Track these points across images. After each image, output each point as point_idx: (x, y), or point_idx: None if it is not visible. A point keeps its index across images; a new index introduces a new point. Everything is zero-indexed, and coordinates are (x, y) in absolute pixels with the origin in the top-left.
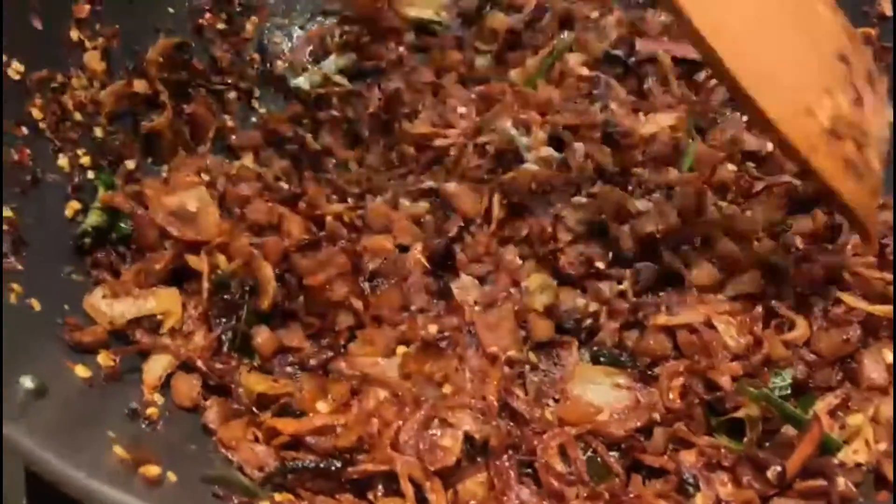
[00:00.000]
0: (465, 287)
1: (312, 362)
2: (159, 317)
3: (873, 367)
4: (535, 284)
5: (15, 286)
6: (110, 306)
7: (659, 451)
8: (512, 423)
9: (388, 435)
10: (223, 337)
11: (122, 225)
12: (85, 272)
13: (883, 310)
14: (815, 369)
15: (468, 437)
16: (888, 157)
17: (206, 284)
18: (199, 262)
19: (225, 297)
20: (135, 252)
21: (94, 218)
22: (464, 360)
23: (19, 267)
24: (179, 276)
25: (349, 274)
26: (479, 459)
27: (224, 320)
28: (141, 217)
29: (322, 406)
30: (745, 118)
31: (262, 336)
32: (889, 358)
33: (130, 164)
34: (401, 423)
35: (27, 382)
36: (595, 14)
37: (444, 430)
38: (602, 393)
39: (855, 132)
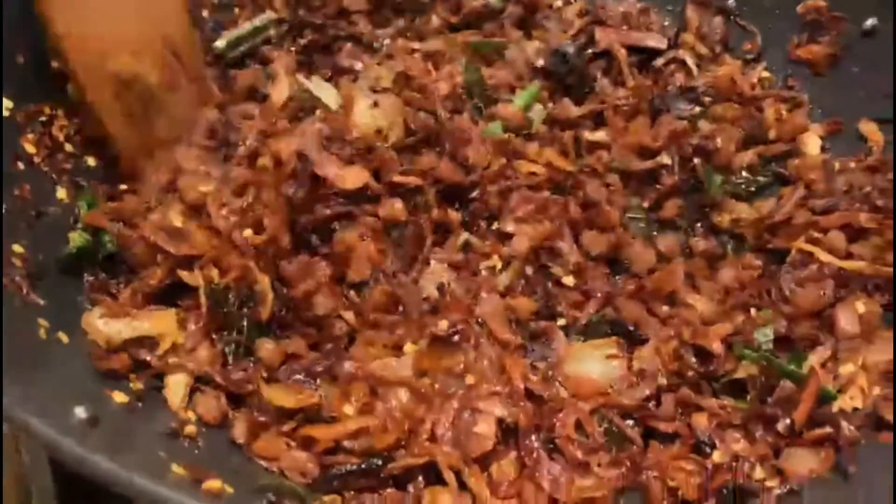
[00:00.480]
0: (436, 273)
1: (319, 369)
2: (156, 338)
3: (847, 319)
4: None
5: (42, 322)
6: (107, 326)
7: (670, 416)
8: (532, 404)
9: (425, 429)
10: (227, 350)
11: (108, 244)
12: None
13: (852, 265)
14: (795, 324)
15: (500, 422)
16: None
17: (204, 300)
18: (193, 277)
19: (223, 310)
20: (126, 271)
21: (77, 240)
22: (479, 350)
23: (41, 302)
24: (174, 292)
25: (333, 284)
26: (509, 441)
27: (225, 333)
28: (127, 235)
29: (348, 409)
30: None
31: (267, 348)
32: (860, 309)
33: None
34: (435, 417)
35: (81, 413)
36: (558, 3)
37: (477, 418)
38: (597, 366)
39: (144, 93)
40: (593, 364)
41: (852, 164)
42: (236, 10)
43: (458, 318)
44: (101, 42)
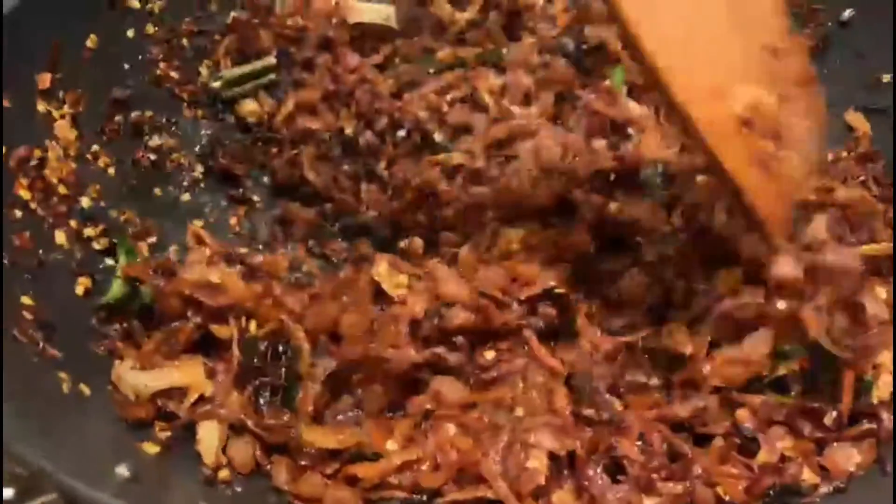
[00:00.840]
0: None
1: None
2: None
3: (874, 306)
4: None
5: (62, 375)
6: (136, 378)
7: (715, 418)
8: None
9: (474, 464)
10: (261, 398)
11: (145, 295)
12: (107, 346)
13: (878, 249)
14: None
15: (551, 454)
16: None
17: (236, 352)
18: (225, 330)
19: (254, 361)
20: (155, 321)
21: (116, 289)
22: (528, 380)
23: (57, 354)
24: (203, 343)
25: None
26: (562, 470)
27: (257, 381)
28: (163, 289)
29: (392, 445)
30: None
31: (313, 394)
32: (883, 294)
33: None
34: (483, 452)
35: (123, 471)
36: (540, 1)
37: (528, 452)
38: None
39: (772, 128)
40: None
41: (844, 154)
42: (216, 36)
43: (504, 347)
44: (713, 73)
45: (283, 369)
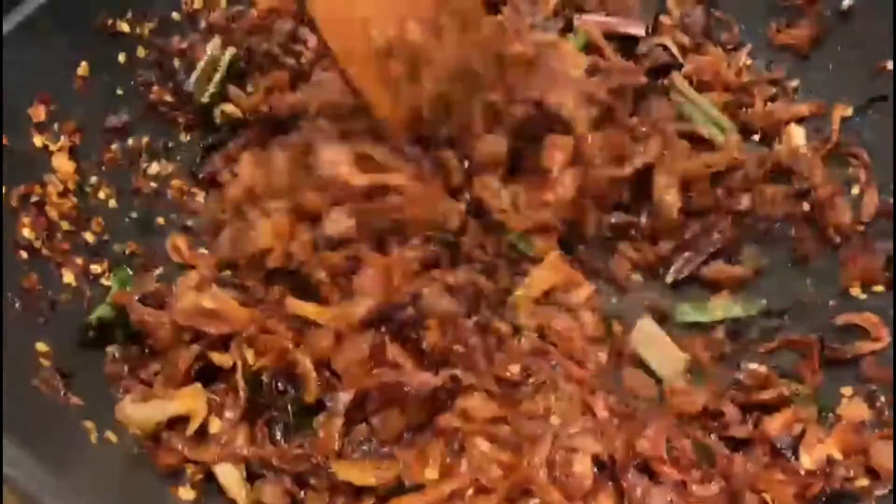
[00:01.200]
0: None
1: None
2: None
3: None
4: None
5: (88, 424)
6: (138, 411)
7: (738, 420)
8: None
9: (521, 477)
10: (273, 431)
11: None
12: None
13: None
14: None
15: (594, 457)
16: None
17: (241, 384)
18: (225, 358)
19: (258, 396)
20: (151, 353)
21: (101, 311)
22: (559, 389)
23: (80, 402)
24: (202, 373)
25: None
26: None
27: (266, 414)
28: (152, 321)
29: (431, 472)
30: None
31: (332, 426)
32: None
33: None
34: (528, 461)
35: None
36: None
37: (572, 457)
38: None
39: (409, 54)
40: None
41: None
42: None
43: (534, 361)
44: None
45: (290, 401)
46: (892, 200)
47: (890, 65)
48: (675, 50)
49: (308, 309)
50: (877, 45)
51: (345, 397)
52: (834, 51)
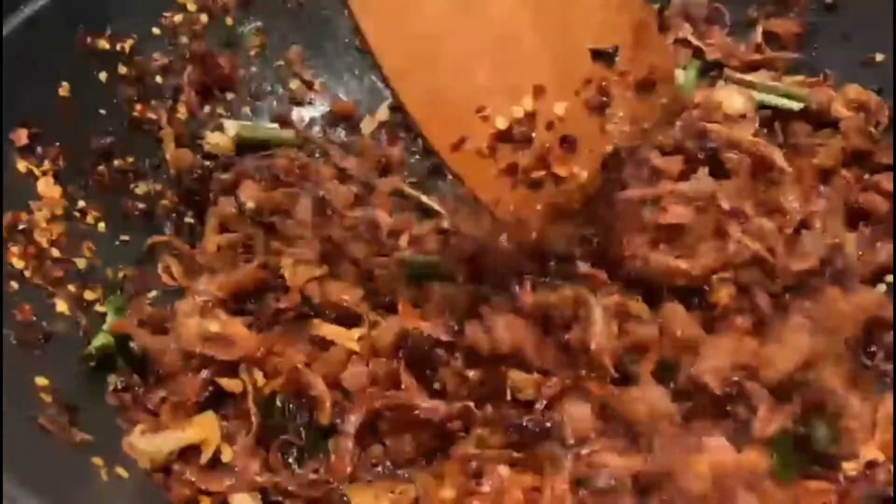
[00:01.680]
0: None
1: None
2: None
3: None
4: None
5: (96, 461)
6: (148, 443)
7: None
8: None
9: (545, 497)
10: (286, 456)
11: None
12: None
13: None
14: None
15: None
16: None
17: (253, 409)
18: (235, 383)
19: (270, 420)
20: (155, 381)
21: (100, 340)
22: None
23: (89, 437)
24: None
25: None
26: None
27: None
28: (158, 348)
29: (447, 493)
30: None
31: (343, 448)
32: None
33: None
34: (551, 485)
35: None
36: None
37: (597, 475)
38: None
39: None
40: None
41: None
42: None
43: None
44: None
45: (303, 424)
46: None
47: (879, 57)
48: (695, 41)
49: (334, 332)
50: (864, 38)
51: (355, 418)
52: (820, 45)
